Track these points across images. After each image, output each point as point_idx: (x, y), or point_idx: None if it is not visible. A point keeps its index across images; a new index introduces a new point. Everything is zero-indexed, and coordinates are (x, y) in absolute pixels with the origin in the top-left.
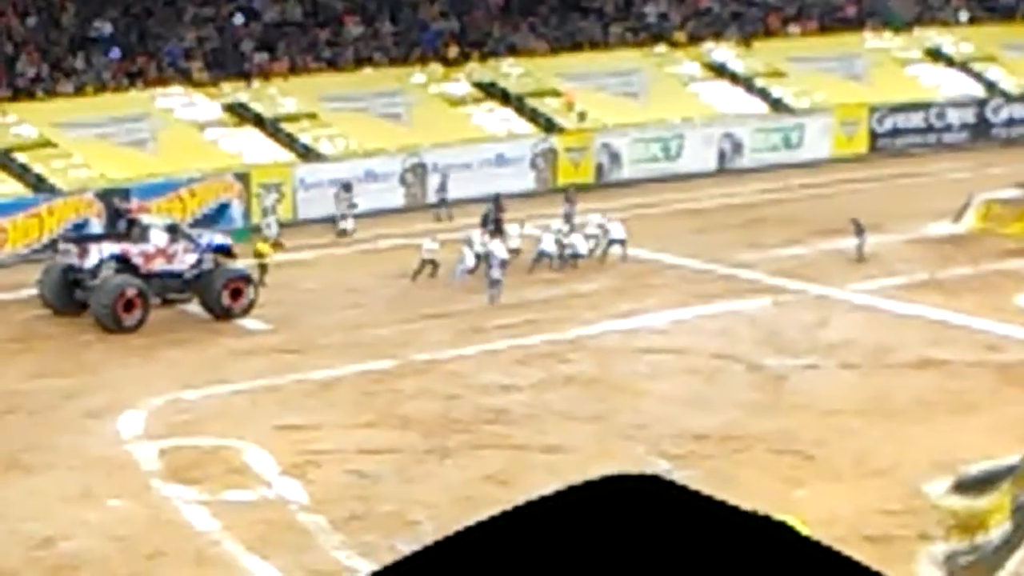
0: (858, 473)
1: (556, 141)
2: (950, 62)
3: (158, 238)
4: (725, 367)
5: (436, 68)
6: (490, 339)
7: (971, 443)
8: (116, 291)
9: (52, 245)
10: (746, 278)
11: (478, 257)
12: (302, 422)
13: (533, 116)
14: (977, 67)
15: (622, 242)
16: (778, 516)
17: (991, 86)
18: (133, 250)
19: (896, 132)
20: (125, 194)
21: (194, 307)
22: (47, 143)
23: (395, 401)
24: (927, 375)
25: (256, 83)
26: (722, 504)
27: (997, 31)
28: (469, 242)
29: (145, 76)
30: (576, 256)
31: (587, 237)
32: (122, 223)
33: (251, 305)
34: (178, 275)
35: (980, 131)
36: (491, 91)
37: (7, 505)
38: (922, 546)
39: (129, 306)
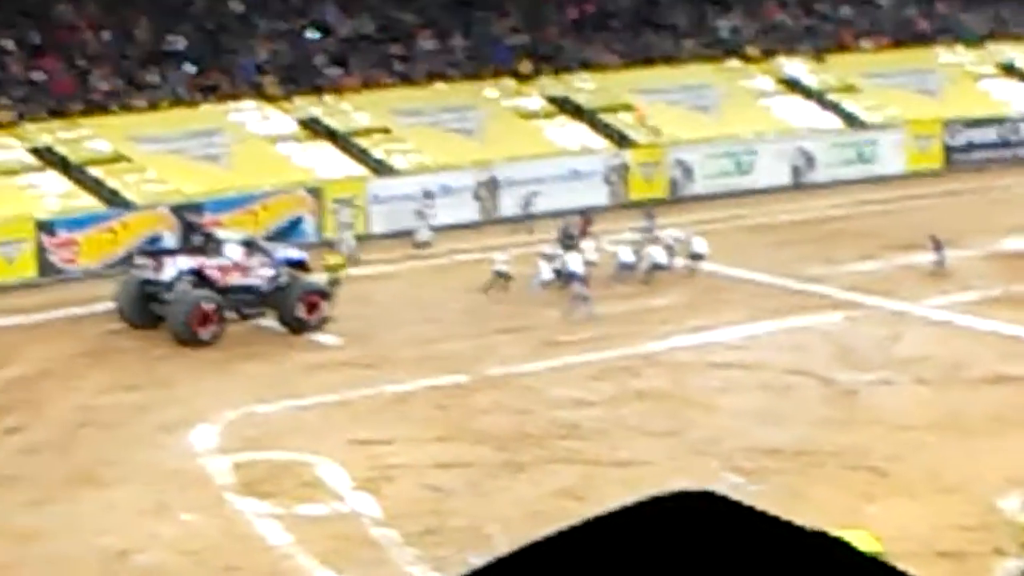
0: (932, 489)
1: (629, 156)
2: (1023, 76)
3: (234, 252)
4: (798, 382)
5: (509, 83)
6: (563, 354)
7: None
8: (192, 305)
9: (127, 260)
10: (819, 293)
11: (557, 272)
12: (375, 436)
13: (606, 131)
14: None
15: (701, 257)
16: (852, 531)
17: None
18: (209, 264)
19: (970, 147)
20: (198, 208)
21: (268, 321)
22: (121, 157)
23: (468, 415)
24: (1001, 390)
25: (329, 98)
26: (779, 521)
27: None
28: (546, 255)
29: (219, 91)
30: (657, 267)
31: (666, 248)
32: (197, 237)
33: (326, 319)
34: (254, 289)
35: None
36: (564, 106)
37: (82, 519)
38: (996, 562)
39: (205, 320)
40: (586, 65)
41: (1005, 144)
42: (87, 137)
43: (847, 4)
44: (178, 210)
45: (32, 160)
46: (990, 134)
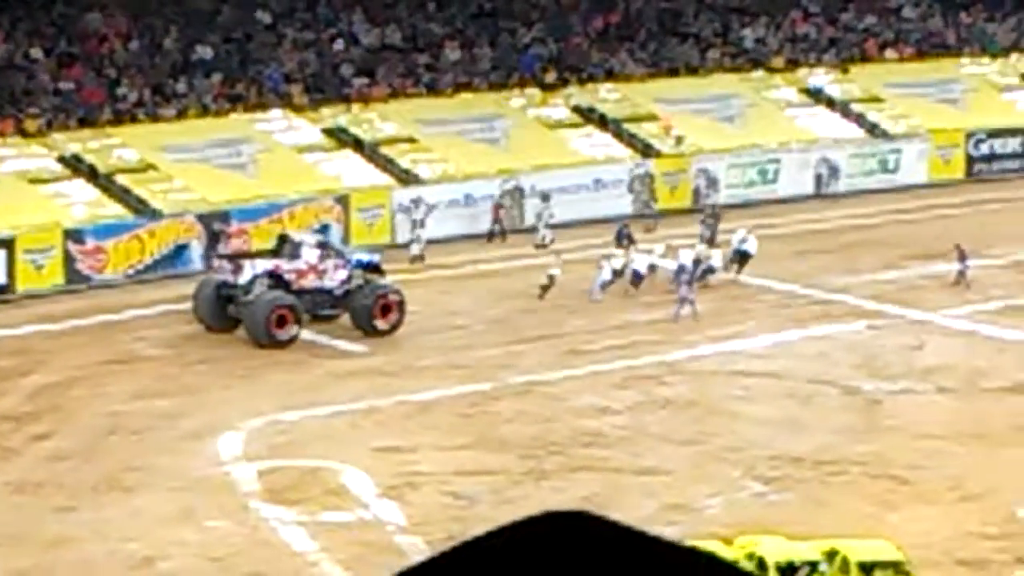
0: (953, 497)
1: (653, 165)
2: None
3: (309, 255)
4: (821, 391)
5: (534, 92)
6: (588, 362)
7: None
8: (269, 307)
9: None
10: (842, 302)
11: (640, 274)
12: (400, 444)
13: (630, 140)
14: None
15: (748, 257)
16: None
17: None
18: (285, 267)
19: (993, 157)
20: (225, 217)
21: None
22: (149, 166)
23: (492, 423)
24: (1023, 399)
25: (355, 107)
26: (653, 539)
27: None
28: (608, 257)
29: (245, 100)
30: (711, 271)
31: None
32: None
33: (400, 321)
34: (328, 291)
35: None
36: (589, 115)
37: (107, 525)
38: (1018, 571)
39: (282, 322)
40: (611, 75)
41: None
42: (115, 146)
43: (871, 14)
44: (205, 218)
45: (60, 169)
46: (1013, 144)
